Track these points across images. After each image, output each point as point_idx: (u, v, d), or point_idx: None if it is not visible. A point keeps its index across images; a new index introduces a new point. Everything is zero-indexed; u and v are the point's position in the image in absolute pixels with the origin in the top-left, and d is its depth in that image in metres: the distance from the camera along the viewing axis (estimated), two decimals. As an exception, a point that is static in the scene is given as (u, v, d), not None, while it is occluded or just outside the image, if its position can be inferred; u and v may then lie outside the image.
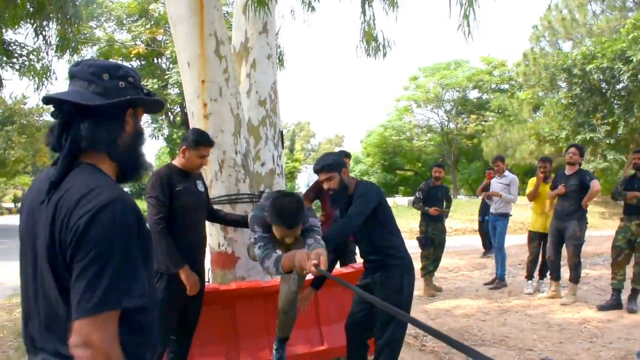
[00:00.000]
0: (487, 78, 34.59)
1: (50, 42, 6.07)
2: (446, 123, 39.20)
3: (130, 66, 1.48)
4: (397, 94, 44.46)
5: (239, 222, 3.86)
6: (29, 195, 1.45)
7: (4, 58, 9.62)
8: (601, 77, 18.13)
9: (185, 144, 3.36)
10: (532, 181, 7.25)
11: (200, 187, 3.52)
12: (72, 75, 1.44)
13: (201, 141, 3.37)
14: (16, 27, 6.24)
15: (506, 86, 34.69)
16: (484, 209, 10.00)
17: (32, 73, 6.48)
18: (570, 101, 19.09)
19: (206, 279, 4.05)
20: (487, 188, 9.08)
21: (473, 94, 37.41)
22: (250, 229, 2.97)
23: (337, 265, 5.66)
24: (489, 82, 34.91)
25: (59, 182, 1.34)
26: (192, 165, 3.39)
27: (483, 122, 34.08)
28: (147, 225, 2.93)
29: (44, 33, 6.02)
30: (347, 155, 6.38)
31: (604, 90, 18.83)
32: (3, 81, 6.76)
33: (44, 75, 6.45)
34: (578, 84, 18.48)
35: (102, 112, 1.40)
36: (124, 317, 1.26)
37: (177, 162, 3.43)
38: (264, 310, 4.18)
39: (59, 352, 1.32)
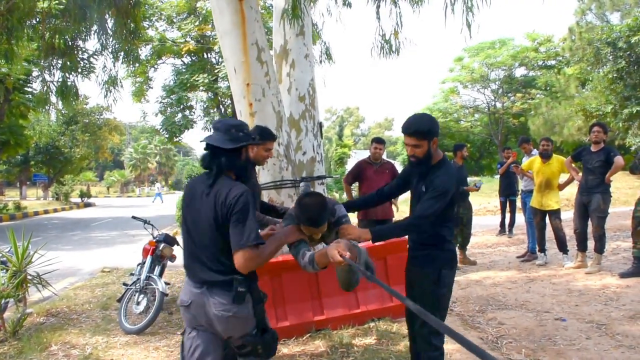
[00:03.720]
0: (533, 55, 33.96)
1: (117, 55, 7.01)
2: (493, 102, 38.80)
3: (238, 121, 2.87)
4: (443, 75, 44.18)
5: (274, 211, 4.11)
6: (189, 190, 2.76)
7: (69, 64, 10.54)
8: (648, 49, 17.81)
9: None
10: (531, 159, 7.76)
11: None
12: (216, 128, 2.72)
13: (265, 136, 3.86)
14: (86, 40, 7.24)
15: (553, 62, 33.98)
16: (506, 189, 10.36)
17: (103, 83, 7.39)
18: (616, 75, 18.78)
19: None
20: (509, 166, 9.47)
21: (519, 72, 36.90)
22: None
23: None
24: (535, 59, 34.27)
25: (212, 185, 2.59)
26: (260, 158, 3.86)
27: (529, 100, 33.57)
28: None
29: (108, 46, 6.95)
30: (380, 141, 6.96)
31: (651, 63, 18.46)
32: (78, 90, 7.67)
33: (112, 84, 7.40)
34: (624, 57, 18.17)
35: (231, 151, 2.63)
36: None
37: None
38: (307, 279, 4.88)
39: (201, 279, 2.60)
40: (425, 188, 3.05)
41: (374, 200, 3.56)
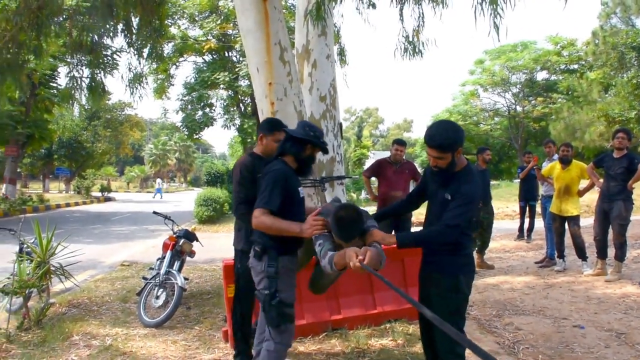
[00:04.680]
0: (555, 59, 33.54)
1: (141, 53, 7.13)
2: (513, 106, 38.44)
3: (316, 127, 3.42)
4: (463, 77, 43.87)
5: None
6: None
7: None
8: (674, 54, 17.53)
9: (261, 132, 3.93)
10: (551, 165, 7.70)
11: None
12: (297, 125, 3.39)
13: (275, 127, 3.89)
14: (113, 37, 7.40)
15: (575, 66, 33.55)
16: (526, 194, 10.26)
17: (129, 81, 7.55)
18: (640, 80, 18.50)
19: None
20: (529, 171, 9.41)
21: (541, 76, 36.51)
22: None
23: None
24: (557, 62, 33.86)
25: (268, 162, 3.36)
26: (271, 149, 3.79)
27: (551, 105, 33.18)
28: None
29: (134, 44, 7.07)
30: (401, 143, 6.95)
31: (678, 68, 18.15)
32: (106, 87, 7.86)
33: (138, 81, 7.54)
34: (649, 63, 17.89)
35: (296, 141, 3.27)
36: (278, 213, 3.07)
37: (257, 149, 3.95)
38: (323, 278, 4.90)
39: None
40: (451, 196, 2.95)
41: (403, 208, 3.56)
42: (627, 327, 4.90)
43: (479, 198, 3.02)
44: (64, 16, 7.92)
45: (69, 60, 9.10)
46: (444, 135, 2.89)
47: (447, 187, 2.99)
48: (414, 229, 6.75)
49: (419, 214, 6.46)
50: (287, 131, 3.39)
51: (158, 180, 46.22)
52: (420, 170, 7.27)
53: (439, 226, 2.90)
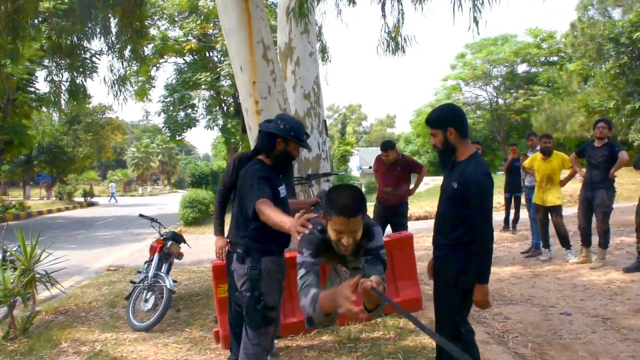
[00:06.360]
0: (535, 51, 33.91)
1: (122, 55, 7.06)
2: (495, 99, 38.80)
3: (292, 120, 3.28)
4: (445, 72, 44.13)
5: None
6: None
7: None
8: (651, 44, 17.80)
9: None
10: (532, 157, 7.83)
11: None
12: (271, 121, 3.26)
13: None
14: (91, 39, 7.31)
15: (555, 58, 33.96)
16: (511, 186, 10.34)
17: (112, 83, 7.46)
18: (618, 71, 18.79)
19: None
20: (513, 163, 9.53)
21: (521, 68, 36.87)
22: (298, 250, 2.50)
23: (388, 230, 6.41)
24: (537, 55, 34.23)
25: (248, 160, 3.27)
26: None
27: (532, 97, 33.55)
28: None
29: (114, 46, 7.00)
30: (386, 148, 6.75)
31: (654, 58, 18.45)
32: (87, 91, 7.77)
33: (122, 84, 7.46)
34: (626, 53, 18.18)
35: (265, 136, 3.15)
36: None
37: None
38: (313, 275, 4.91)
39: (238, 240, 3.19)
40: (457, 184, 2.91)
41: None
42: (612, 312, 4.99)
43: (490, 185, 2.90)
44: (40, 19, 7.82)
45: (47, 64, 8.96)
46: (436, 112, 3.10)
47: (455, 176, 2.97)
48: (411, 224, 6.80)
49: (418, 209, 6.51)
50: (260, 126, 3.27)
51: (111, 184, 44.50)
52: None
53: (476, 234, 2.87)
